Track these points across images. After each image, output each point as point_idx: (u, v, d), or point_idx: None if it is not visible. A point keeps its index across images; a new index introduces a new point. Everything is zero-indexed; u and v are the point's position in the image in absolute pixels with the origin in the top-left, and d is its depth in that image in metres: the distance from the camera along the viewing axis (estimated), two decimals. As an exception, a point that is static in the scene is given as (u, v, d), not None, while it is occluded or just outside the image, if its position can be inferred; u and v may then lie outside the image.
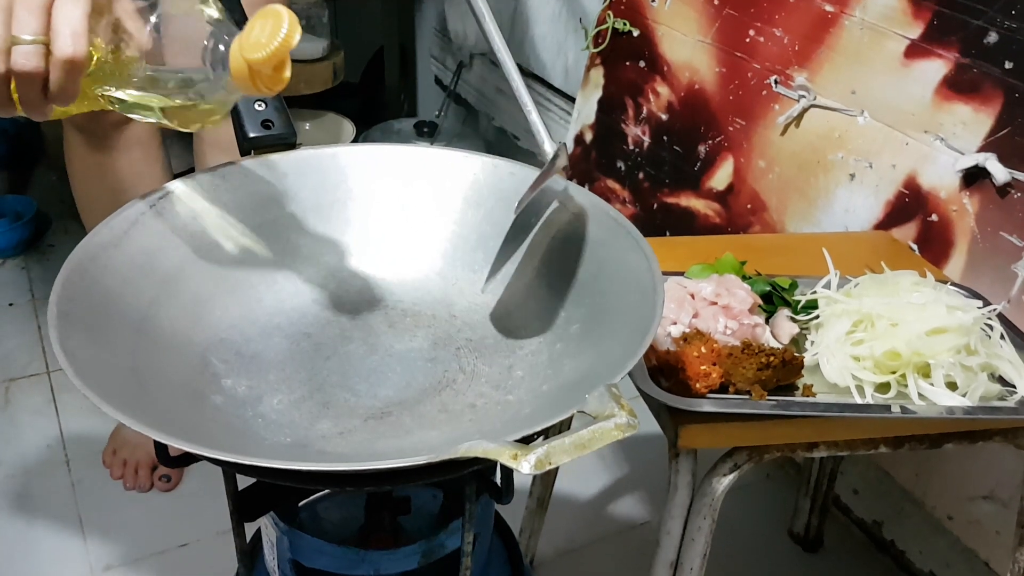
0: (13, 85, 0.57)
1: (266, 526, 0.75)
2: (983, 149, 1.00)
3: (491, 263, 0.69)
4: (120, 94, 0.61)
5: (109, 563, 1.20)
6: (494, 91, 2.02)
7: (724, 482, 0.74)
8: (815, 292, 0.85)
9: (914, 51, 1.07)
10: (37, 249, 1.88)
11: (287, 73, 0.60)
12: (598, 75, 1.54)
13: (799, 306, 0.84)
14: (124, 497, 1.30)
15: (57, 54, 0.55)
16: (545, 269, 0.72)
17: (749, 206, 1.27)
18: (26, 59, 0.55)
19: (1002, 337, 0.80)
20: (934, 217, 1.05)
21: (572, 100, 1.71)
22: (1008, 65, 0.98)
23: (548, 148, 0.72)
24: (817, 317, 0.82)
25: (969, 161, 1.00)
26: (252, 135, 0.73)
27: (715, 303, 0.78)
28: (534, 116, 0.73)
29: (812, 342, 0.81)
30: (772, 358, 0.72)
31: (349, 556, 0.71)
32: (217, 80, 0.60)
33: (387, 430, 0.63)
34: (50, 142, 2.05)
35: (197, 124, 0.64)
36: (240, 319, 0.70)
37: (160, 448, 0.64)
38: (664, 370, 0.74)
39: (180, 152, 1.49)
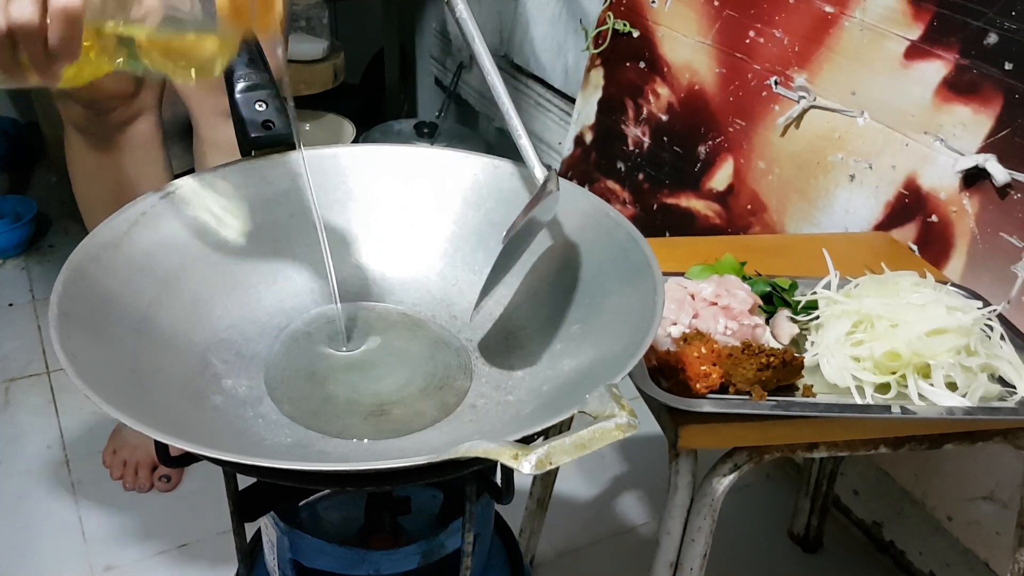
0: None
1: (266, 526, 0.75)
2: (983, 150, 1.00)
3: (481, 288, 0.65)
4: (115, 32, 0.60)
5: (109, 563, 1.20)
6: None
7: (724, 482, 0.74)
8: (815, 293, 0.85)
9: (914, 52, 1.07)
10: (37, 249, 1.88)
11: (276, 11, 0.60)
12: (598, 76, 1.54)
13: (799, 307, 0.84)
14: (124, 497, 1.30)
15: (53, 2, 0.56)
16: (545, 269, 0.72)
17: (749, 207, 1.27)
18: (20, 10, 0.56)
19: (1002, 338, 0.80)
20: (934, 218, 1.05)
21: (572, 101, 1.71)
22: (1008, 66, 0.98)
23: (538, 173, 0.71)
24: (817, 318, 0.82)
25: (969, 162, 1.00)
26: (252, 135, 0.73)
27: (715, 304, 0.78)
28: (524, 141, 0.72)
29: (812, 343, 0.81)
30: (772, 359, 0.72)
31: (349, 556, 0.71)
32: (206, 18, 0.60)
33: (387, 430, 0.63)
34: (50, 142, 2.05)
35: (191, 70, 0.63)
36: (240, 319, 0.70)
37: (160, 448, 0.64)
38: (664, 370, 0.74)
39: (180, 152, 1.49)
